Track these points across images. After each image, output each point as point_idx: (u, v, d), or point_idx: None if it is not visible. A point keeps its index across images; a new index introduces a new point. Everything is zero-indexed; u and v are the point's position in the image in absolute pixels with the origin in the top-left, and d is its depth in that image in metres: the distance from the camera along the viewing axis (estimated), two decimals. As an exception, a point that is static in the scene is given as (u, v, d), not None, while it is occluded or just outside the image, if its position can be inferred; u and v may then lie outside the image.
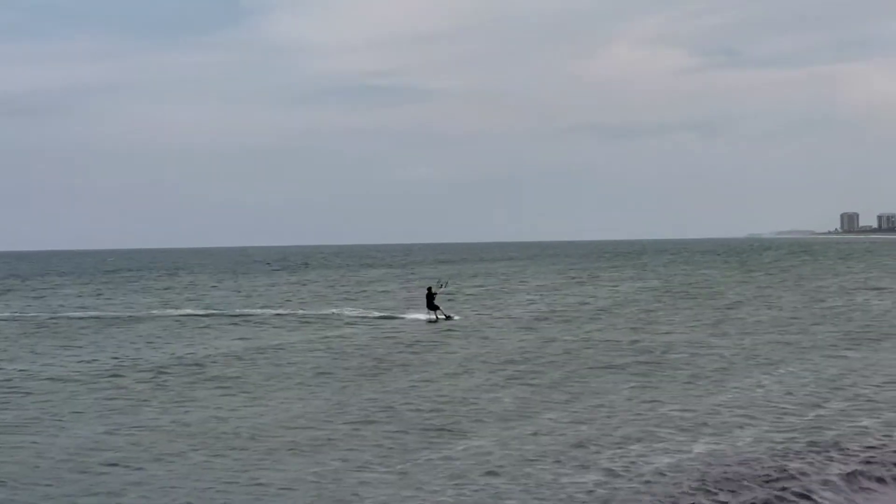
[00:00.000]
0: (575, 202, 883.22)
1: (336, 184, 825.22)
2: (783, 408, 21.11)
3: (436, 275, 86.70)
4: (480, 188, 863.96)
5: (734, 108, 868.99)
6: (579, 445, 17.78)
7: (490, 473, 15.94)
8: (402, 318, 45.66)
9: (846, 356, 29.38)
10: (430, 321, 43.73)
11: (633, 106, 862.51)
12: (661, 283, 73.98)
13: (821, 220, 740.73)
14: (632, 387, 24.15)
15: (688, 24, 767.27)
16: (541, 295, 61.60)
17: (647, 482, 15.27)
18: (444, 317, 44.27)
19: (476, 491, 15.02)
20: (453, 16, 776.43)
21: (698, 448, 17.40)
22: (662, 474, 15.70)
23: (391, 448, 17.85)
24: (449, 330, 39.87)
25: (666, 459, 16.60)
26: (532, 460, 16.73)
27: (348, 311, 49.49)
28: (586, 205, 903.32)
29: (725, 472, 15.69)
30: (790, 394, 22.89)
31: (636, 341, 33.89)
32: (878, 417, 20.01)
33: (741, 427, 19.13)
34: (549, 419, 20.26)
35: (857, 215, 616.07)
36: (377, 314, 47.65)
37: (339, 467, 16.56)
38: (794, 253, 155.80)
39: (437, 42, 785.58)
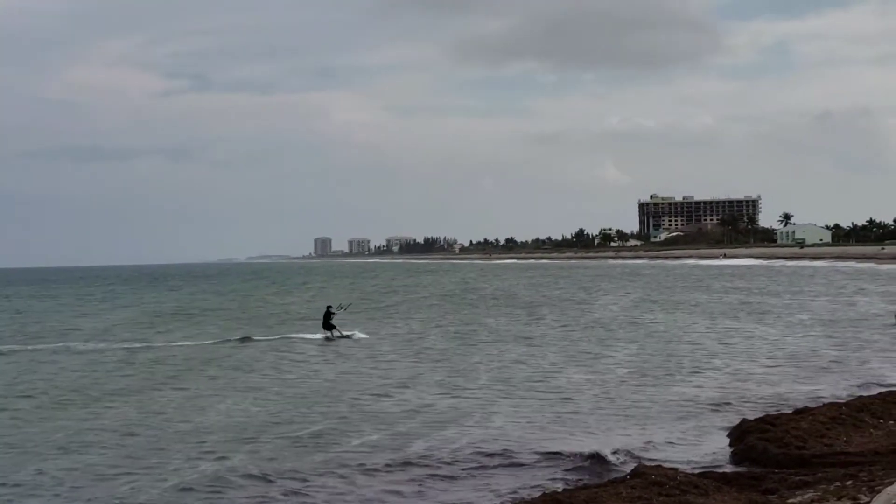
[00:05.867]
0: (42, 228, 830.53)
1: None
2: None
3: None
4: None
5: (204, 132, 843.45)
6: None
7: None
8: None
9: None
10: (327, 339, 41.30)
11: (101, 129, 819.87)
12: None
13: (296, 245, 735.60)
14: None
15: (154, 50, 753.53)
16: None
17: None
18: (341, 335, 41.81)
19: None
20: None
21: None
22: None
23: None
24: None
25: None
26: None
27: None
28: (56, 231, 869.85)
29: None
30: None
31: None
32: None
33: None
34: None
35: (330, 240, 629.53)
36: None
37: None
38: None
39: None
